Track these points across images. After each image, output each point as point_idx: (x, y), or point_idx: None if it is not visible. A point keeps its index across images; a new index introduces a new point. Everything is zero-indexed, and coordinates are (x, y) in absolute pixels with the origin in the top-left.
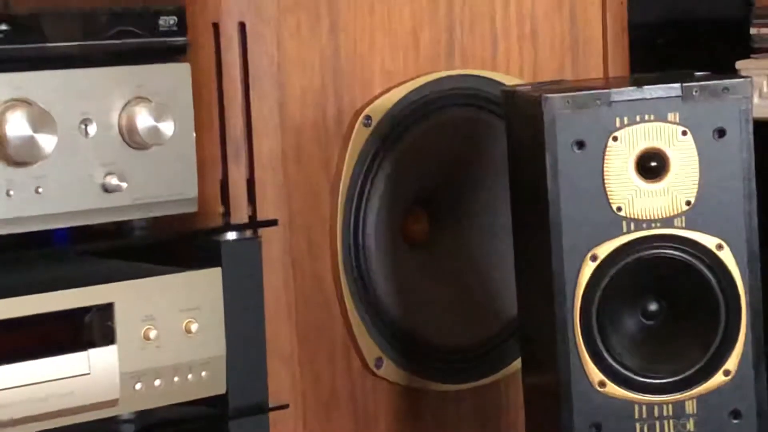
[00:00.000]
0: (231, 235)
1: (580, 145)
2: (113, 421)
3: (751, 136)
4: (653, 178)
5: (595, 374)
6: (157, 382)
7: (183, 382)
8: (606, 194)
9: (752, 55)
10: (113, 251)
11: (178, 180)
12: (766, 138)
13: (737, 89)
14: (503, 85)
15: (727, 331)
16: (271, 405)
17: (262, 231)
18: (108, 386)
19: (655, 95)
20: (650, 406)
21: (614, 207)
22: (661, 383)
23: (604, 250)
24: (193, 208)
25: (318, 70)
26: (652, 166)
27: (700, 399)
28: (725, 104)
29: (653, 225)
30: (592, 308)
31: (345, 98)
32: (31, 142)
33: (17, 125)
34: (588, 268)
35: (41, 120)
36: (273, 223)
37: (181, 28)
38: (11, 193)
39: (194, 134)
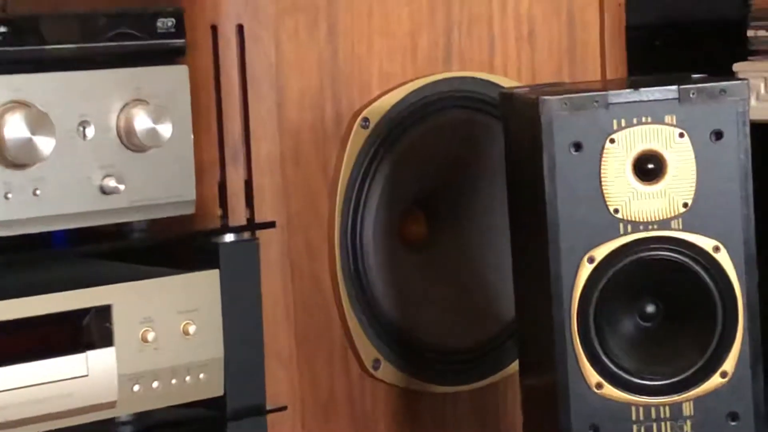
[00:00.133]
0: (229, 237)
1: (578, 146)
2: (111, 422)
3: (748, 139)
4: (650, 180)
5: (593, 376)
6: (155, 384)
7: (181, 384)
8: (603, 196)
9: (750, 58)
10: (111, 253)
11: (176, 182)
12: (763, 140)
13: (734, 91)
14: (501, 87)
15: (724, 333)
16: (269, 407)
17: (260, 233)
18: (106, 388)
19: (652, 97)
20: (647, 407)
21: (611, 209)
22: (658, 385)
23: (601, 252)
24: (191, 210)
25: (316, 73)
26: (649, 168)
27: (698, 401)
28: (722, 106)
29: (650, 227)
30: (589, 310)
31: (343, 100)
32: (29, 144)
33: (15, 127)
34: (585, 270)
35: (39, 122)
36: (271, 225)
37: (179, 30)
38: (9, 195)
39: (192, 136)
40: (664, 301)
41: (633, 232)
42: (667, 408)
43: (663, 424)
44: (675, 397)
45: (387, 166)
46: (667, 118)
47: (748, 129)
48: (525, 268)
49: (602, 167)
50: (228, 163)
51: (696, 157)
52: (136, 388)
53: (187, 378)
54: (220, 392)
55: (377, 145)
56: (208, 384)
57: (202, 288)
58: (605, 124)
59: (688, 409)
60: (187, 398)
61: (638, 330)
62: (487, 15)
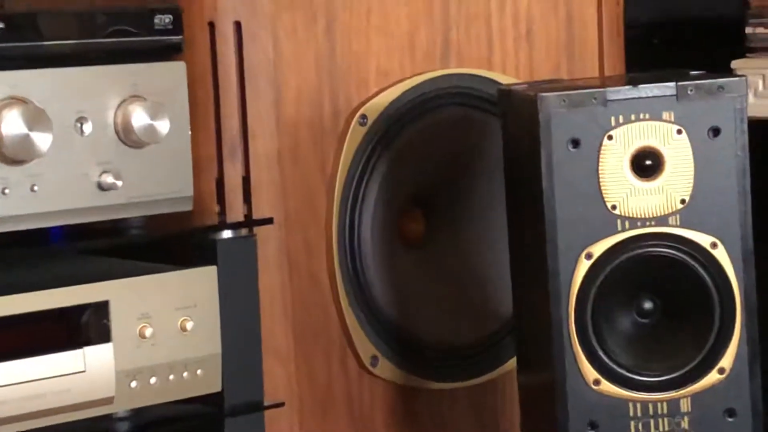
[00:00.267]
0: (226, 234)
1: (576, 143)
2: (109, 418)
3: (746, 135)
4: (648, 176)
5: (590, 372)
6: (153, 380)
7: (178, 380)
8: (601, 193)
9: (748, 55)
10: (109, 249)
11: (173, 178)
12: (761, 137)
13: (732, 88)
14: (499, 84)
15: (721, 329)
16: (266, 403)
17: (257, 230)
18: (103, 384)
19: (650, 94)
20: (645, 404)
21: (609, 205)
22: (655, 381)
23: (599, 249)
24: (188, 207)
25: (314, 70)
26: (647, 164)
27: (695, 397)
28: (720, 103)
29: (648, 223)
30: (587, 306)
31: (341, 97)
32: (26, 141)
33: (13, 123)
34: (583, 267)
35: (37, 118)
36: (269, 221)
37: (177, 26)
38: (7, 191)
39: (190, 133)
40: (662, 297)
41: (631, 228)
42: (664, 404)
43: (660, 420)
44: (672, 394)
45: (385, 163)
46: (665, 115)
47: (745, 126)
48: (523, 265)
49: (600, 164)
50: (226, 160)
51: (694, 153)
52: (133, 384)
53: (185, 374)
54: (217, 388)
55: (375, 142)
56: (206, 380)
57: (199, 284)
58: (603, 121)
59: (685, 406)
60: (184, 394)
61: (636, 326)
62: (485, 12)
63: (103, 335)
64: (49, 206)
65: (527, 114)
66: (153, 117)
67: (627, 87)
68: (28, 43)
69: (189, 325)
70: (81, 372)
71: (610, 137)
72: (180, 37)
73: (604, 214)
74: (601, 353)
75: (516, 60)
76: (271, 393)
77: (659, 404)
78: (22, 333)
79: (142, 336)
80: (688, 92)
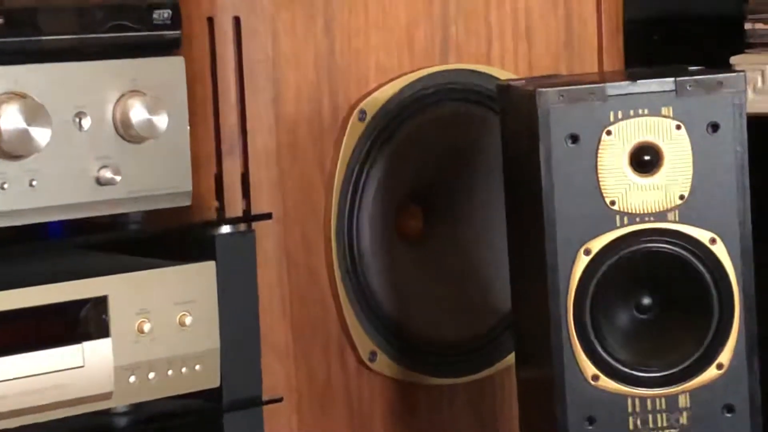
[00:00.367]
0: (225, 229)
1: (574, 139)
2: (107, 413)
3: (745, 131)
4: (647, 172)
5: (589, 368)
6: (151, 375)
7: (177, 376)
8: (600, 188)
9: (747, 51)
10: (107, 244)
11: (172, 173)
12: (759, 133)
13: (731, 84)
14: (498, 79)
15: (720, 325)
16: (265, 398)
17: (256, 225)
18: (102, 379)
19: (649, 89)
20: (643, 399)
21: (608, 201)
22: (654, 377)
23: (597, 244)
24: (187, 202)
25: (313, 65)
26: (645, 160)
27: (693, 393)
28: (719, 99)
29: (647, 219)
30: (585, 302)
31: (340, 93)
32: (25, 135)
33: (11, 118)
34: (581, 262)
35: (35, 113)
36: (267, 216)
37: (176, 21)
38: (5, 186)
39: (189, 128)
40: (661, 293)
41: (629, 224)
42: (663, 400)
43: (659, 416)
44: (671, 389)
45: (384, 158)
46: (664, 110)
47: (744, 121)
48: (521, 261)
49: (599, 159)
50: (224, 155)
51: (693, 149)
52: (132, 379)
53: (184, 369)
54: (216, 383)
55: (374, 138)
56: (205, 375)
57: (198, 279)
58: (602, 116)
59: (684, 401)
60: (183, 389)
61: (634, 322)
62: (484, 8)
63: (101, 330)
64: (48, 201)
65: (526, 109)
66: (152, 112)
67: (626, 82)
68: (27, 38)
69: (188, 321)
70: (80, 367)
71: (609, 133)
72: (179, 32)
73: (603, 210)
74: (599, 349)
75: (515, 56)
76: (270, 388)
77: (658, 400)
78: (21, 328)
79: (140, 331)
80: (687, 88)
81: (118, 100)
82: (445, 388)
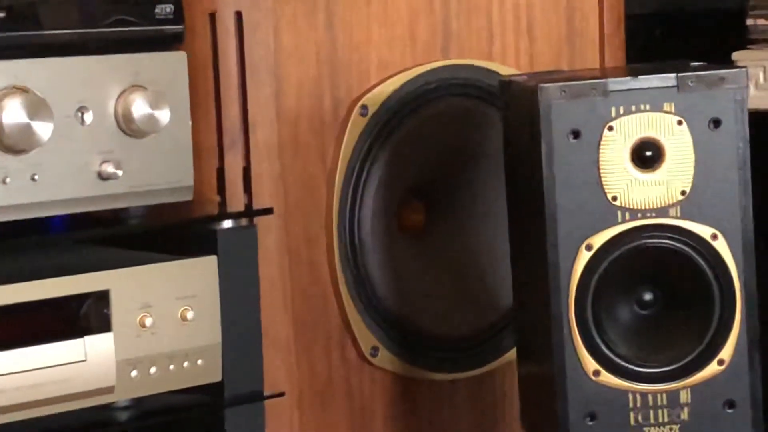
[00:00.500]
0: (227, 224)
1: (576, 134)
2: (109, 408)
3: (747, 127)
4: (648, 167)
5: (590, 363)
6: (153, 370)
7: (179, 370)
8: (601, 184)
9: (749, 46)
10: (109, 239)
11: (174, 168)
12: (761, 128)
13: (733, 79)
14: (499, 75)
15: (721, 321)
16: (266, 393)
17: (257, 220)
18: (104, 373)
19: (651, 85)
20: (645, 395)
21: (609, 196)
22: (655, 372)
23: (599, 240)
24: (189, 197)
25: (314, 60)
26: (647, 155)
27: (695, 388)
28: (721, 94)
29: (648, 215)
30: (587, 297)
31: (341, 88)
32: (27, 130)
33: (13, 113)
34: (583, 258)
35: (37, 107)
36: (269, 211)
37: (178, 16)
38: (7, 180)
39: (190, 122)
40: (662, 288)
41: (631, 219)
42: (664, 395)
43: (660, 411)
44: (672, 385)
45: (385, 153)
46: (666, 106)
47: (746, 117)
48: (523, 256)
49: (600, 155)
50: (226, 150)
51: (694, 144)
52: (133, 373)
53: (185, 364)
54: (217, 378)
55: (376, 133)
56: (206, 370)
57: (200, 274)
58: (604, 112)
59: (685, 397)
60: (184, 384)
61: (636, 318)
62: (486, 3)
63: (103, 325)
64: (50, 195)
65: (528, 105)
66: (154, 106)
67: (628, 78)
68: (29, 33)
69: (189, 315)
70: (81, 361)
71: (610, 128)
72: (181, 26)
73: (605, 206)
74: (601, 344)
75: (516, 51)
76: (271, 383)
77: (659, 395)
78: (23, 322)
79: (142, 325)
80: (689, 83)
81: (120, 95)
82: (447, 384)
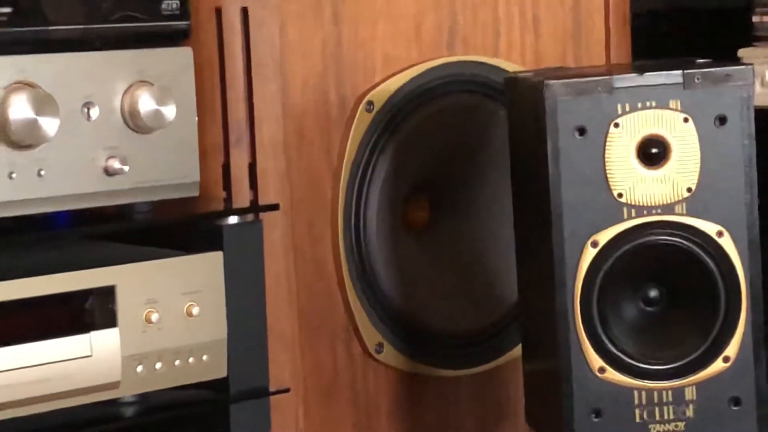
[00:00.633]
0: (233, 219)
1: (582, 131)
2: (114, 403)
3: (753, 124)
4: (654, 164)
5: (595, 360)
6: (159, 365)
7: (184, 366)
8: (607, 180)
9: (754, 44)
10: (115, 234)
11: (180, 164)
12: (767, 125)
13: (739, 76)
14: (505, 71)
15: (727, 318)
16: (271, 389)
17: (263, 216)
18: (109, 369)
19: (656, 82)
20: (650, 392)
21: (615, 193)
22: (661, 369)
23: (604, 237)
24: (194, 192)
25: (320, 56)
26: (653, 152)
27: (700, 386)
28: (727, 91)
29: (654, 211)
30: (592, 294)
31: (347, 84)
32: (33, 125)
33: (20, 108)
34: (588, 255)
35: (44, 103)
36: (275, 207)
37: (184, 12)
38: (13, 175)
39: (196, 118)
40: (668, 285)
41: (637, 216)
42: (669, 392)
43: (665, 408)
44: (677, 382)
45: (391, 149)
46: (672, 103)
47: (752, 114)
48: (528, 253)
49: (606, 152)
50: (232, 146)
51: (700, 141)
52: (139, 369)
53: (191, 359)
54: (223, 374)
55: (381, 129)
56: (211, 365)
57: (205, 269)
58: (609, 109)
59: (690, 394)
60: (190, 380)
61: (641, 314)
62: None
63: (109, 320)
64: (56, 191)
65: (533, 101)
66: (160, 102)
67: (633, 75)
68: (35, 28)
69: (195, 311)
70: (87, 357)
71: (616, 125)
72: (187, 22)
73: (610, 202)
74: (606, 341)
75: (522, 47)
76: (276, 379)
77: (664, 392)
78: (28, 317)
79: (148, 321)
80: (695, 80)
81: (126, 91)
82: (452, 380)
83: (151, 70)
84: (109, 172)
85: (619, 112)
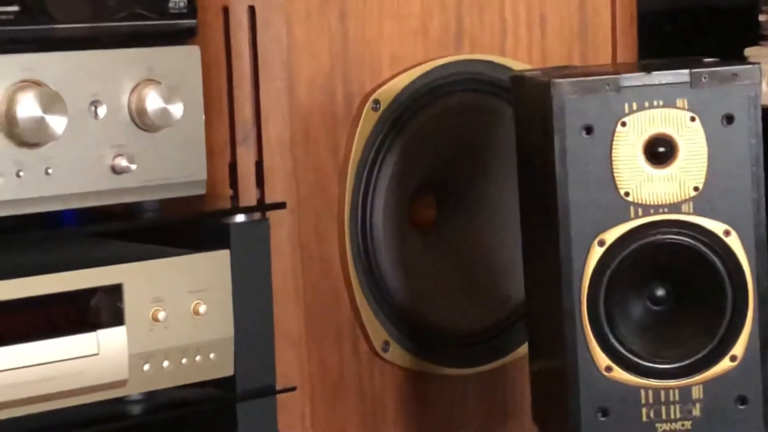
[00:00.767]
0: (239, 218)
1: (589, 130)
2: (121, 401)
3: (760, 123)
4: (661, 163)
5: (602, 359)
6: (166, 364)
7: (191, 364)
8: (614, 179)
9: (761, 42)
10: (122, 233)
11: (187, 162)
12: None
13: (746, 75)
14: (512, 70)
15: (733, 317)
16: (278, 387)
17: (270, 214)
18: (116, 367)
19: (664, 81)
20: (657, 391)
21: (622, 192)
22: (667, 368)
23: (611, 236)
24: (201, 191)
25: (327, 55)
26: (660, 151)
27: (707, 384)
28: (734, 90)
29: (661, 210)
30: (599, 293)
31: (354, 83)
32: (41, 123)
33: (28, 106)
34: (595, 253)
35: (51, 101)
36: (281, 206)
37: (191, 10)
38: (21, 173)
39: (203, 117)
40: (675, 284)
41: (644, 215)
42: (676, 391)
43: (672, 407)
44: (684, 381)
45: (397, 148)
46: (679, 102)
47: (759, 113)
48: (535, 251)
49: (613, 150)
50: (239, 144)
51: (707, 141)
52: (146, 367)
53: (197, 357)
54: (230, 372)
55: (388, 128)
56: (218, 364)
57: (212, 268)
58: (617, 108)
59: (697, 393)
60: (197, 378)
61: (648, 313)
62: None
63: (116, 318)
64: (63, 189)
65: (540, 100)
66: (167, 101)
67: (641, 74)
68: (42, 26)
69: (202, 309)
70: (94, 355)
71: (623, 124)
72: (194, 21)
73: (617, 201)
74: (613, 340)
75: (529, 46)
76: (283, 377)
77: (671, 391)
78: (36, 316)
79: (155, 319)
80: (702, 79)
81: (133, 89)
82: (458, 379)
83: (158, 68)
84: (116, 171)
85: (626, 111)
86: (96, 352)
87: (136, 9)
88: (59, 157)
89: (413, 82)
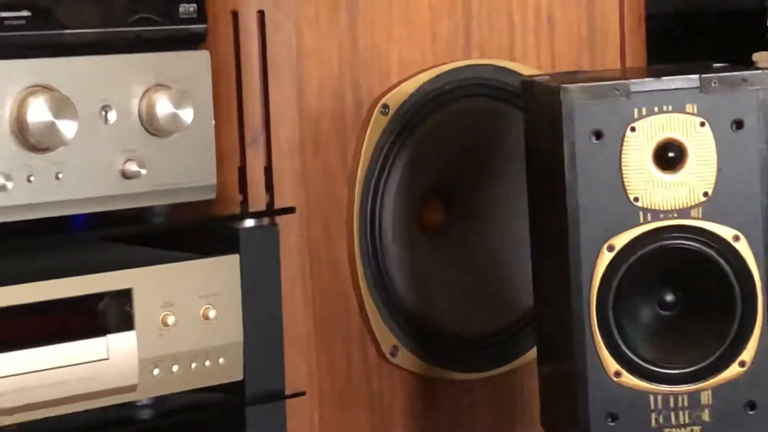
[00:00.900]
0: (249, 223)
1: (598, 135)
2: (131, 406)
3: None
4: (671, 168)
5: (611, 364)
6: (175, 368)
7: (200, 368)
8: (623, 184)
9: None
10: (132, 237)
11: (197, 167)
12: None
13: (756, 80)
14: (520, 75)
15: (743, 322)
16: (287, 392)
17: (279, 219)
18: (126, 372)
19: (673, 86)
20: (666, 396)
21: (631, 197)
22: (676, 374)
23: (621, 241)
24: (211, 195)
25: (336, 60)
26: (669, 156)
27: (716, 390)
28: (743, 95)
29: (670, 216)
30: (608, 298)
31: (363, 87)
32: (51, 128)
33: (38, 111)
34: (605, 258)
35: (62, 106)
36: (291, 210)
37: (201, 15)
38: (31, 178)
39: (213, 122)
40: (684, 290)
41: (653, 220)
42: (685, 397)
43: (681, 412)
44: (693, 386)
45: (406, 153)
46: (688, 107)
47: None
48: (544, 256)
49: (623, 156)
50: (248, 149)
51: (717, 146)
52: (156, 371)
53: (207, 362)
54: (239, 377)
55: (397, 132)
56: (228, 368)
57: (222, 273)
58: (626, 113)
59: (706, 398)
60: (206, 382)
61: (657, 319)
62: (507, 3)
63: (126, 323)
64: (74, 194)
65: (550, 105)
66: (177, 106)
67: (650, 79)
68: (53, 32)
69: (211, 314)
70: (104, 360)
71: (633, 129)
72: (204, 26)
73: (627, 206)
74: (622, 345)
75: (537, 51)
76: (292, 382)
77: (680, 397)
78: (46, 320)
79: (164, 324)
80: (712, 84)
81: (143, 94)
82: (467, 383)
83: (168, 73)
84: (126, 175)
85: (636, 116)
86: (106, 356)
87: (146, 14)
88: (70, 162)
89: (422, 86)
